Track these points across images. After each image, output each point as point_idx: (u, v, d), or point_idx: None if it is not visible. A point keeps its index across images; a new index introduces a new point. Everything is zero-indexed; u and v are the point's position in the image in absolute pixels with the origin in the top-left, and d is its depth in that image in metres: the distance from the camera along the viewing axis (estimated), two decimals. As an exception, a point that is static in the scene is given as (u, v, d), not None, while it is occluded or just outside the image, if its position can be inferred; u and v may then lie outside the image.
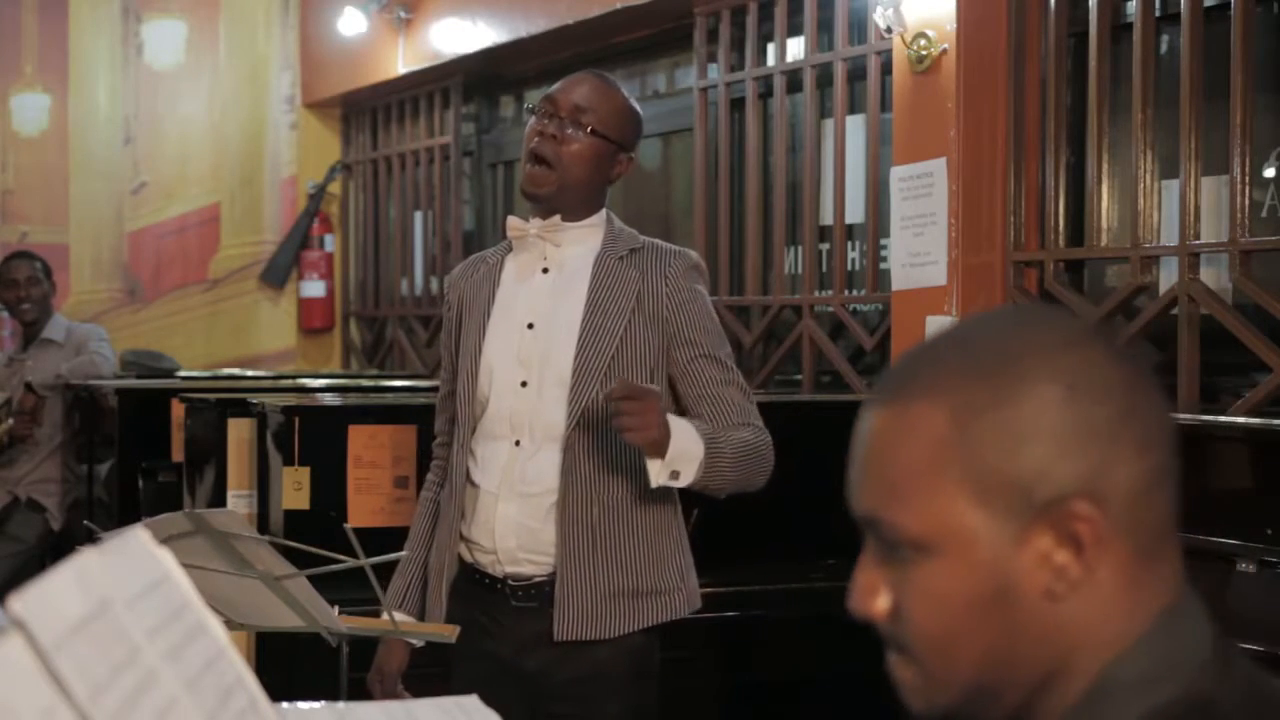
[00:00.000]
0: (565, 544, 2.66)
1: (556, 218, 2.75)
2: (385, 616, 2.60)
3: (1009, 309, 1.14)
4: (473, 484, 2.75)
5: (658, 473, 2.58)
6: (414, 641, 2.77)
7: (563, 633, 2.66)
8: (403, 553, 2.77)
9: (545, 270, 2.77)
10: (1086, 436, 1.05)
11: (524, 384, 2.71)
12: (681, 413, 2.71)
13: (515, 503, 2.69)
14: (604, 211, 2.80)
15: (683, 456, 2.58)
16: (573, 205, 2.75)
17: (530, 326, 2.73)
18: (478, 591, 2.75)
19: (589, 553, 2.67)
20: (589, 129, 2.71)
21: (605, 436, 2.66)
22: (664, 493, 2.73)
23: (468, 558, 2.77)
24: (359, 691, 2.76)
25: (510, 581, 2.71)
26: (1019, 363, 1.07)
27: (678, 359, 2.72)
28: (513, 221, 2.80)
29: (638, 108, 2.82)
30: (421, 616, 2.81)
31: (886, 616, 1.11)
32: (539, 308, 2.74)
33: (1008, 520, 1.05)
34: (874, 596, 1.11)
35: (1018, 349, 1.08)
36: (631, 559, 2.69)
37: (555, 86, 2.78)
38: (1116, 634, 1.06)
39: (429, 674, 2.83)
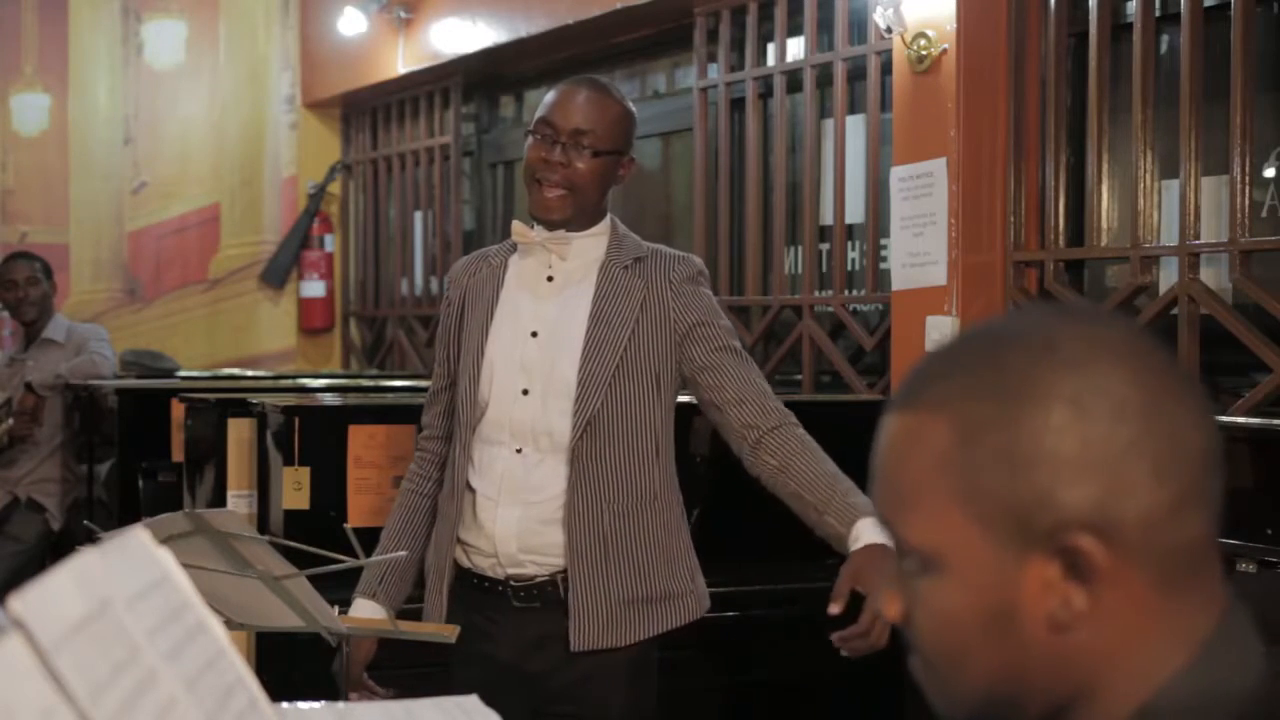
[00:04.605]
0: (576, 553, 2.66)
1: (562, 230, 2.75)
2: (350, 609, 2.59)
3: (1035, 312, 1.07)
4: (470, 488, 2.74)
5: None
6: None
7: (580, 643, 2.66)
8: (402, 552, 2.76)
9: (550, 279, 2.77)
10: (1092, 463, 1.00)
11: (525, 392, 2.71)
12: (704, 404, 2.75)
13: (518, 509, 2.69)
14: (608, 218, 2.81)
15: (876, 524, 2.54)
16: (582, 219, 2.76)
17: (534, 335, 2.73)
18: (476, 595, 2.74)
19: (601, 561, 2.67)
20: (592, 151, 2.70)
21: (611, 444, 2.68)
22: (671, 496, 2.75)
23: (464, 562, 2.75)
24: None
25: (512, 583, 2.71)
26: (1028, 379, 1.02)
27: (695, 356, 2.72)
28: (518, 227, 2.80)
29: (631, 107, 2.81)
30: (399, 610, 2.79)
31: (902, 622, 1.09)
32: (543, 317, 2.74)
33: (1008, 546, 1.01)
34: (892, 601, 1.09)
35: (1030, 362, 1.02)
36: (643, 564, 2.70)
37: (550, 104, 2.74)
38: (1149, 665, 1.02)
39: (428, 673, 2.83)
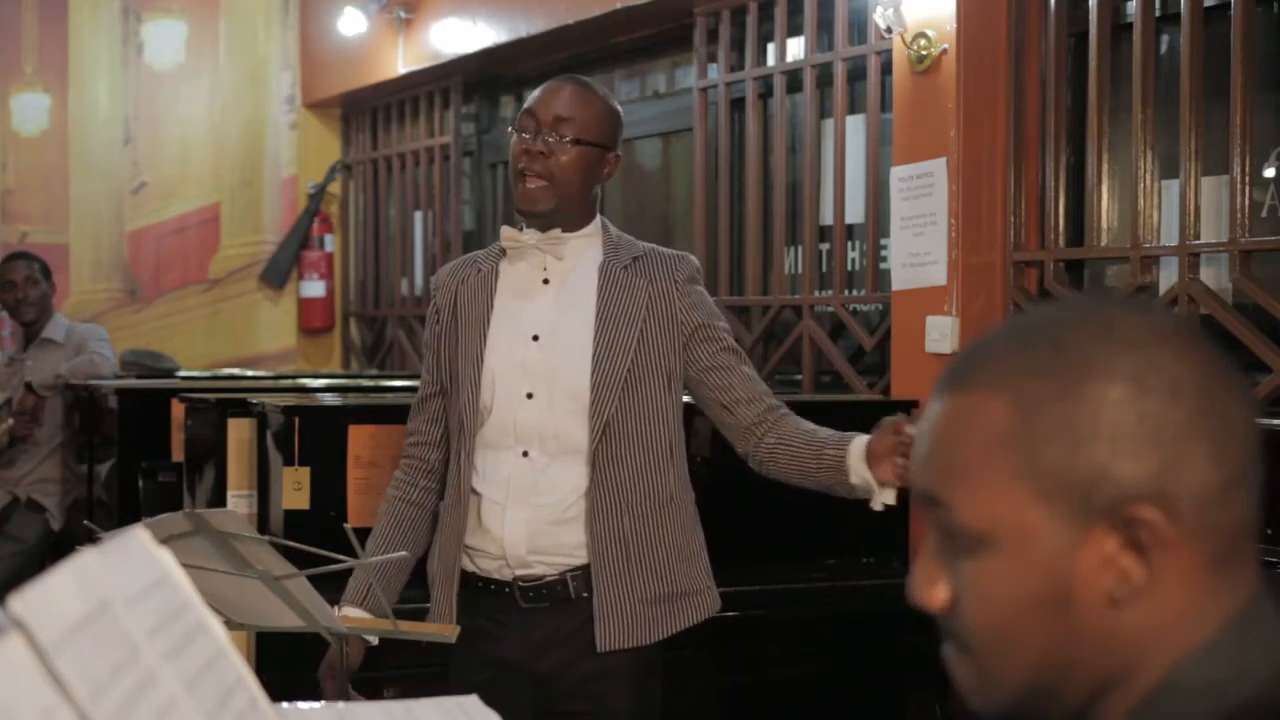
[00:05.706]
0: (599, 557, 2.67)
1: (556, 230, 2.75)
2: (339, 611, 2.59)
3: (1086, 300, 1.10)
4: (474, 492, 2.74)
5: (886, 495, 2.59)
6: (369, 640, 2.75)
7: (605, 644, 2.67)
8: (403, 553, 2.76)
9: (546, 281, 2.76)
10: (1151, 438, 1.01)
11: (530, 395, 2.71)
12: (708, 404, 2.77)
13: (526, 510, 2.69)
14: (599, 219, 2.81)
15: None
16: (569, 215, 2.76)
17: (536, 339, 2.73)
18: (481, 598, 2.74)
19: (623, 563, 2.68)
20: (573, 139, 2.71)
21: (628, 447, 2.69)
22: (685, 495, 2.77)
23: (469, 567, 2.75)
24: (360, 691, 2.75)
25: (520, 583, 2.71)
26: (1087, 357, 1.04)
27: (701, 357, 2.74)
28: (508, 233, 2.78)
29: (616, 106, 2.82)
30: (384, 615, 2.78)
31: (944, 609, 1.08)
32: (544, 320, 2.73)
33: (1068, 520, 1.02)
34: (933, 587, 1.08)
35: (1088, 342, 1.04)
36: (664, 564, 2.72)
37: (533, 98, 2.76)
38: (1184, 641, 1.03)
39: (427, 674, 2.83)
